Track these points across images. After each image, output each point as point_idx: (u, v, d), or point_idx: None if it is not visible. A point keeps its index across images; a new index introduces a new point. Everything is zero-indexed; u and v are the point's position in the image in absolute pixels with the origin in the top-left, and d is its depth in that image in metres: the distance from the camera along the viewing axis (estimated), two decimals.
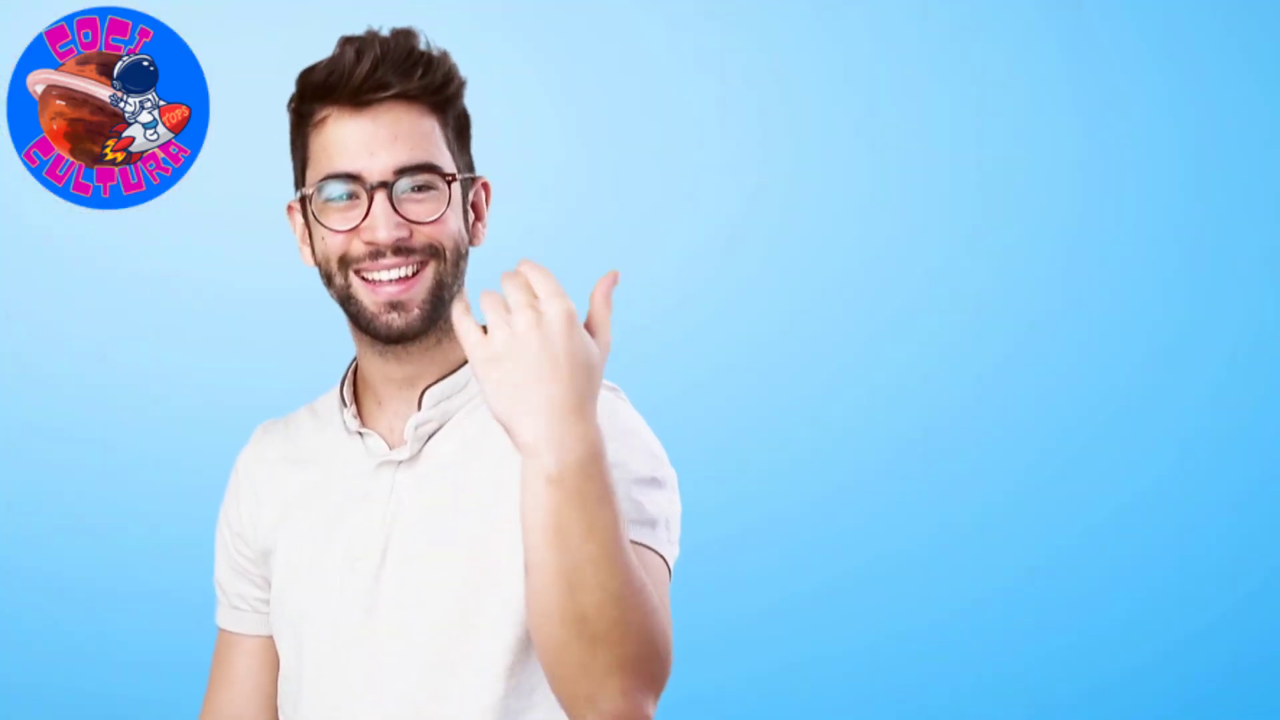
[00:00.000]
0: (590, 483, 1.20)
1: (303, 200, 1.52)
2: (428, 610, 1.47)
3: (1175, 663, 2.99)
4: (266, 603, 1.61)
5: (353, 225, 1.46)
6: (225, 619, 1.65)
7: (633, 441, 1.46)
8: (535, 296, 1.19)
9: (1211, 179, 3.01)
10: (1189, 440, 3.02)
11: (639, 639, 1.25)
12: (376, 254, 1.46)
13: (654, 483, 1.46)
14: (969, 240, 2.99)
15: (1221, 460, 3.02)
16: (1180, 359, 3.02)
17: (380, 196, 1.45)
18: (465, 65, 1.52)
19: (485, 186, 1.56)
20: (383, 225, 1.45)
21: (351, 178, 1.46)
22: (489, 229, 1.56)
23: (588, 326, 1.23)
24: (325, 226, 1.48)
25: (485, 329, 1.21)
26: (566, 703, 1.28)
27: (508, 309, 1.20)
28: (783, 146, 2.95)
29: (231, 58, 2.22)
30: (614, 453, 1.38)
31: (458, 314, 1.22)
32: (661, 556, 1.43)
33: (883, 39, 2.97)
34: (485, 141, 1.57)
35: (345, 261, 1.47)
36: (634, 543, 1.37)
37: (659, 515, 1.44)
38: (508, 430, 1.21)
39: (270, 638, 1.62)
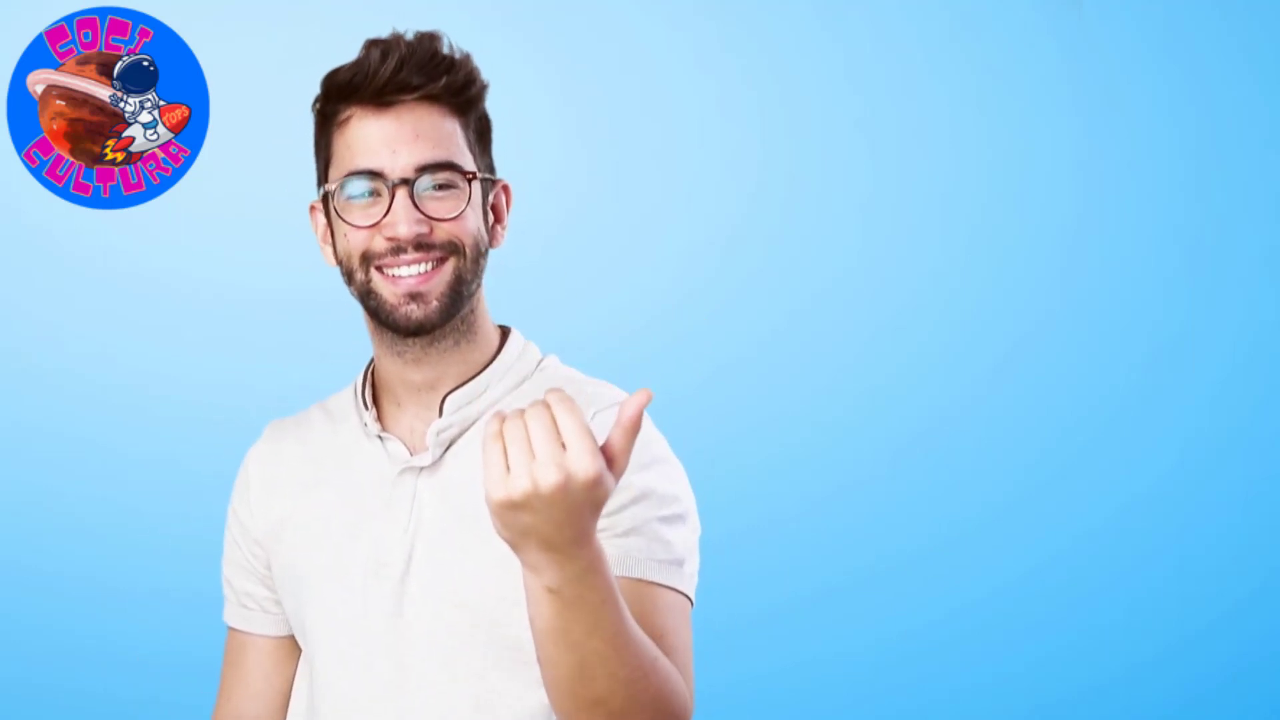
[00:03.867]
0: (590, 591, 1.23)
1: (324, 198, 1.53)
2: (457, 620, 1.48)
3: (1175, 663, 2.99)
4: (276, 603, 1.61)
5: (374, 221, 1.47)
6: (234, 617, 1.65)
7: (661, 471, 1.48)
8: (563, 446, 1.16)
9: (1211, 179, 3.01)
10: (1189, 440, 3.02)
11: (654, 710, 1.32)
12: (398, 250, 1.47)
13: (679, 518, 1.48)
14: (969, 240, 2.99)
15: (1221, 460, 3.02)
16: (1180, 359, 3.02)
17: (401, 193, 1.46)
18: None
19: (505, 189, 1.57)
20: (404, 221, 1.46)
21: (373, 175, 1.47)
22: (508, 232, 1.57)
23: (606, 452, 1.19)
24: (347, 223, 1.49)
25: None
26: None
27: (533, 454, 1.16)
28: (783, 146, 2.95)
29: (231, 58, 2.23)
30: (644, 484, 1.45)
31: (489, 435, 1.18)
32: (685, 594, 1.46)
33: (883, 39, 2.97)
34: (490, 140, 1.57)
35: (367, 258, 1.49)
36: (661, 585, 1.43)
37: (684, 552, 1.47)
38: (510, 548, 1.22)
39: (281, 638, 1.62)
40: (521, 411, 1.18)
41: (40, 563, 2.75)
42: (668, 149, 2.93)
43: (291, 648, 1.63)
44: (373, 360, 1.59)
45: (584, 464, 1.16)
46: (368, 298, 1.50)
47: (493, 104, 1.55)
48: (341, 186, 1.48)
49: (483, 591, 1.47)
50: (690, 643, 1.45)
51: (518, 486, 1.16)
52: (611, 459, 1.19)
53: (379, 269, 1.48)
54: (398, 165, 1.46)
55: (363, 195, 1.48)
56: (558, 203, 2.84)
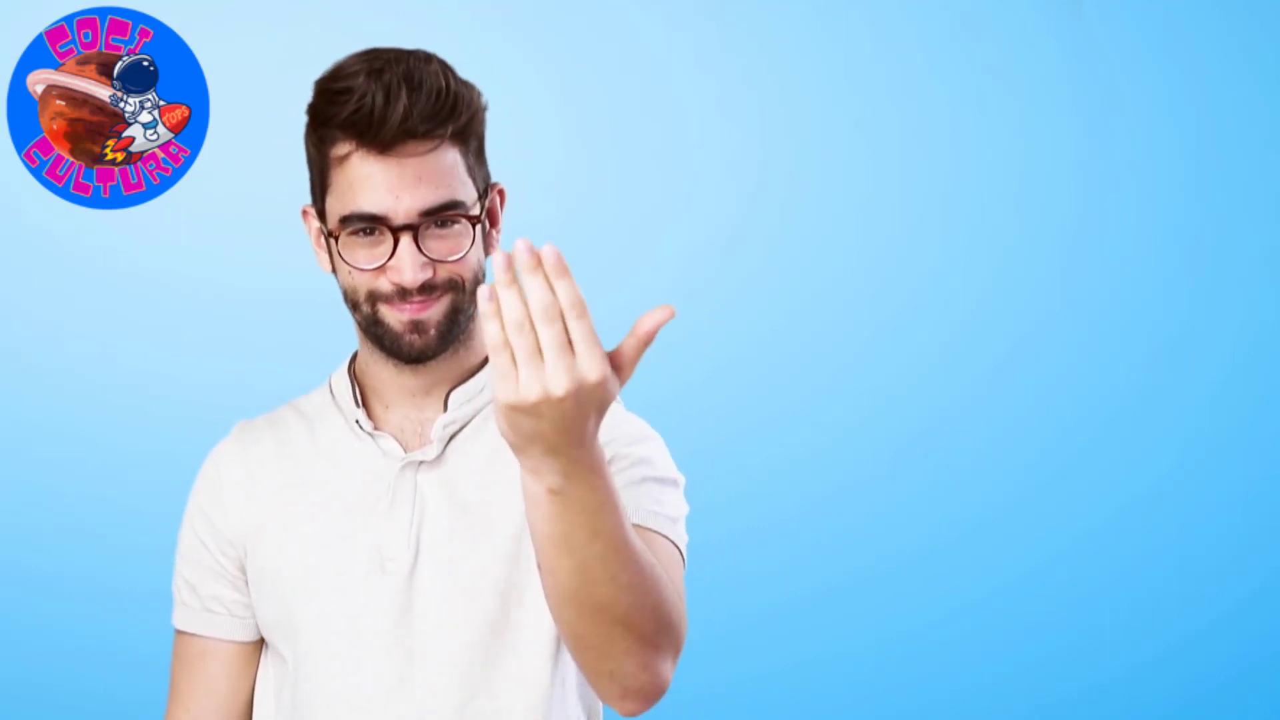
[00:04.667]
0: (592, 492, 1.22)
1: (320, 214, 1.52)
2: (470, 610, 1.49)
3: (1175, 663, 2.99)
4: (245, 606, 1.59)
5: (378, 264, 1.47)
6: (196, 622, 1.62)
7: (656, 447, 1.53)
8: (572, 350, 1.15)
9: (1211, 179, 3.01)
10: (1189, 440, 3.02)
11: (654, 618, 1.31)
12: (403, 292, 1.47)
13: (673, 483, 1.52)
14: (969, 240, 2.99)
15: (1221, 460, 3.02)
16: (1180, 359, 3.02)
17: (405, 239, 1.46)
18: (466, 66, 1.52)
19: (500, 193, 1.56)
20: (408, 269, 1.46)
21: (375, 218, 1.46)
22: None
23: (615, 358, 1.19)
24: (349, 264, 1.48)
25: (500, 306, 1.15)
26: (590, 677, 1.34)
27: (541, 355, 1.15)
28: (783, 146, 2.95)
29: (231, 58, 2.23)
30: (642, 450, 1.50)
31: (495, 345, 1.16)
32: (679, 548, 1.49)
33: (883, 39, 2.97)
34: (486, 142, 1.57)
35: (374, 296, 1.49)
36: (657, 533, 1.46)
37: (677, 513, 1.51)
38: (513, 450, 1.21)
39: (247, 643, 1.60)
40: (527, 311, 1.14)
41: (40, 563, 2.75)
42: (668, 149, 2.94)
43: (254, 653, 1.61)
44: (353, 362, 1.59)
45: (594, 369, 1.15)
46: (374, 327, 1.50)
47: (493, 105, 1.55)
48: (342, 223, 1.47)
49: (493, 581, 1.49)
50: (684, 589, 1.46)
51: (530, 392, 1.15)
52: (619, 366, 1.19)
53: (387, 304, 1.49)
54: (400, 210, 1.45)
55: (364, 233, 1.47)
56: (558, 203, 2.84)
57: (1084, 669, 2.99)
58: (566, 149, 2.89)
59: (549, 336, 1.14)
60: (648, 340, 1.19)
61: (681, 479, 1.55)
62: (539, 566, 1.28)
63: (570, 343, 1.15)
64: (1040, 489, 3.00)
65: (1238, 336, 3.02)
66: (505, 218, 1.57)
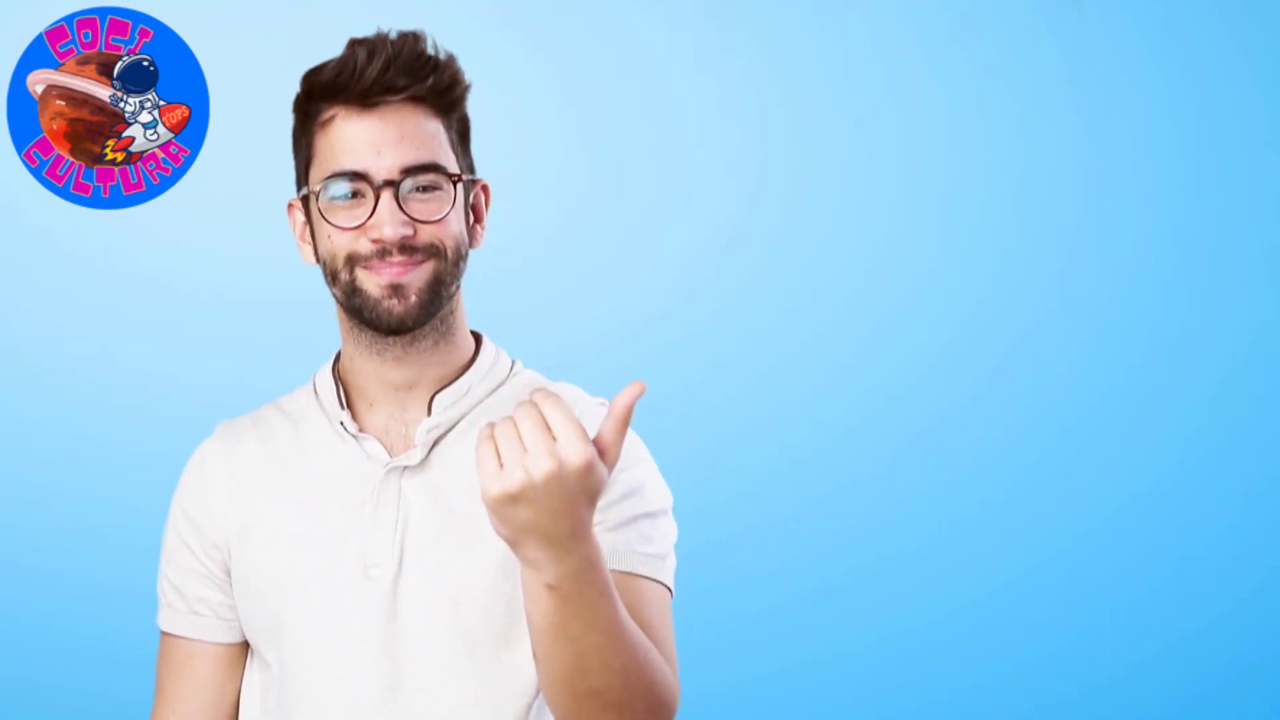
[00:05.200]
0: (589, 586, 1.25)
1: (305, 199, 1.52)
2: (456, 617, 1.48)
3: (1175, 663, 2.99)
4: (231, 608, 1.58)
5: (358, 223, 1.47)
6: (182, 625, 1.59)
7: (646, 468, 1.53)
8: (553, 437, 1.19)
9: (1211, 179, 3.01)
10: (1189, 440, 3.02)
11: (647, 700, 1.35)
12: (383, 252, 1.47)
13: (663, 513, 1.52)
14: (969, 240, 2.99)
15: (1221, 460, 3.02)
16: (1180, 359, 3.02)
17: (386, 195, 1.46)
18: (465, 66, 1.53)
19: (485, 189, 1.57)
20: (388, 223, 1.46)
21: (358, 176, 1.47)
22: (487, 231, 1.57)
23: (598, 444, 1.22)
24: (331, 224, 1.48)
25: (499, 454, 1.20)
26: None
27: (524, 448, 1.19)
28: (783, 146, 2.95)
29: (231, 58, 2.23)
30: (633, 478, 1.49)
31: (481, 437, 1.21)
32: (667, 586, 1.50)
33: (883, 39, 2.97)
34: (485, 142, 1.57)
35: (351, 259, 1.48)
36: (644, 577, 1.47)
37: (665, 547, 1.51)
38: (510, 547, 1.24)
39: (233, 645, 1.59)
40: (509, 416, 1.20)
41: (40, 563, 2.75)
42: (668, 149, 2.94)
43: (241, 655, 1.59)
44: (336, 363, 1.59)
45: (575, 451, 1.18)
46: (353, 296, 1.49)
47: (493, 104, 1.55)
48: (325, 187, 1.48)
49: (481, 588, 1.48)
50: (673, 632, 1.48)
51: (513, 479, 1.18)
52: (603, 450, 1.22)
53: (365, 269, 1.48)
54: (382, 167, 1.46)
55: (346, 196, 1.48)
56: (557, 203, 2.84)
57: (1084, 669, 2.99)
58: (566, 149, 2.89)
59: (527, 423, 1.18)
60: (625, 420, 1.22)
61: (669, 499, 1.54)
62: (534, 654, 1.31)
63: (550, 429, 1.18)
64: (1040, 489, 3.00)
65: (1238, 336, 3.02)
66: (505, 217, 1.58)
